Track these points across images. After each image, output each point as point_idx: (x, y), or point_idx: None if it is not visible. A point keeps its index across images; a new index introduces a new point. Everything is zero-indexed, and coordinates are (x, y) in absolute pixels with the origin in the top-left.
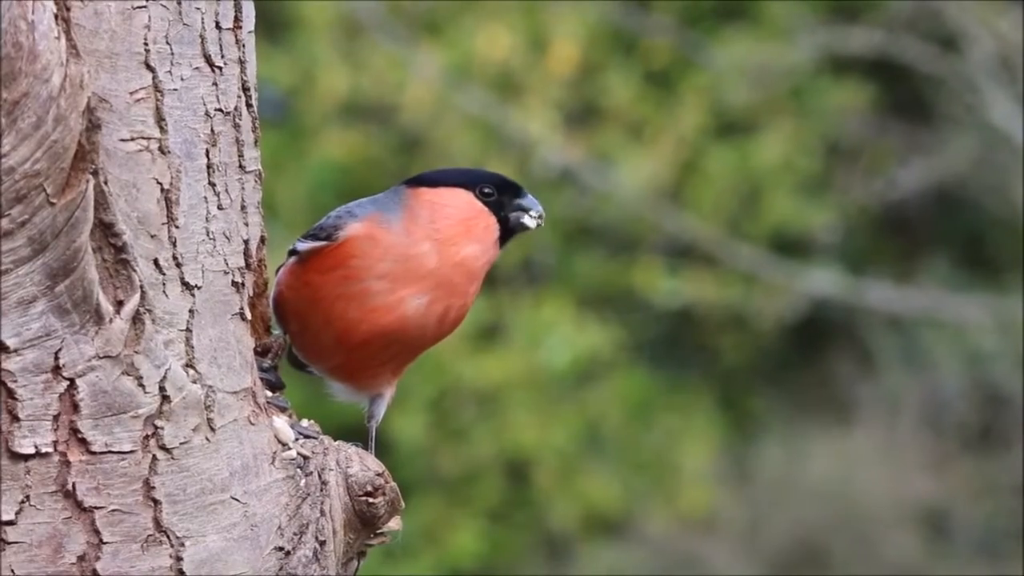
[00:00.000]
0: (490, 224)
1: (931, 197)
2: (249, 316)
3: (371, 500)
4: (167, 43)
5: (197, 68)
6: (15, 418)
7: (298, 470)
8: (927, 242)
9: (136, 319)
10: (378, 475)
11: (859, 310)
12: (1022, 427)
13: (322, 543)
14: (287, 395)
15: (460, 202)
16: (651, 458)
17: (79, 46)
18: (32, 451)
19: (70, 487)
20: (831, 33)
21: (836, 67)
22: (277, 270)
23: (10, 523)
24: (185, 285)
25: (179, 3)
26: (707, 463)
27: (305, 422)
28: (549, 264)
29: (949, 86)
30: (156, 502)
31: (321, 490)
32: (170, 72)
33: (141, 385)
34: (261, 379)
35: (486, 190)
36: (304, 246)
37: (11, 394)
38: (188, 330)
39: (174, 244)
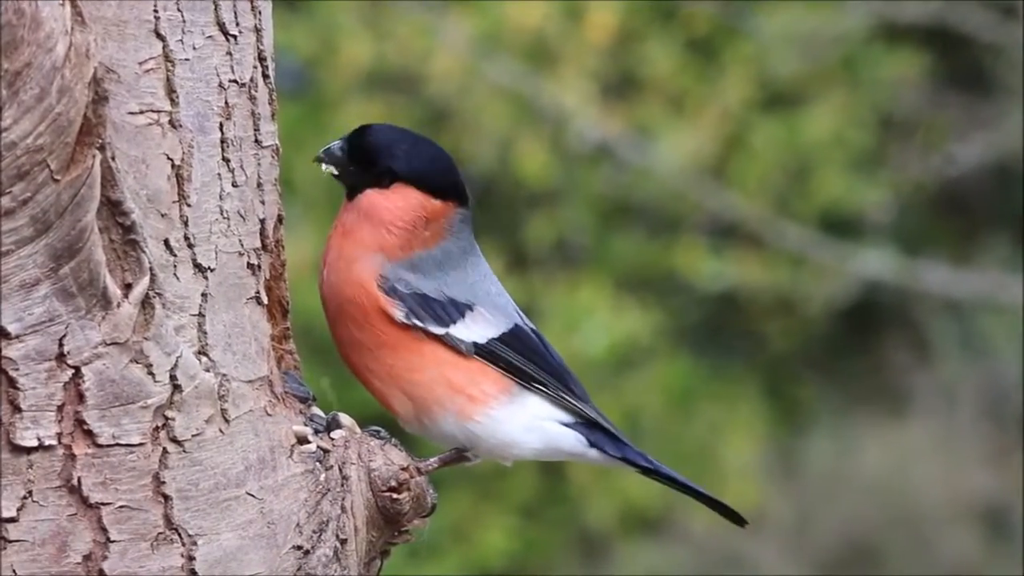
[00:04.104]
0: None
1: (990, 173)
2: (266, 300)
3: (395, 496)
4: (178, 10)
5: (210, 36)
6: (17, 409)
7: (317, 464)
8: (986, 221)
9: (145, 303)
10: (402, 469)
11: (914, 294)
12: None
13: (343, 541)
14: (309, 383)
15: None
16: (693, 450)
17: (85, 13)
18: (35, 444)
19: (75, 482)
20: None
21: (890, 35)
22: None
23: (11, 520)
24: (197, 267)
25: None
26: (752, 456)
27: (317, 409)
28: (585, 244)
29: (1009, 56)
30: (166, 498)
31: (342, 485)
32: (181, 41)
33: (151, 373)
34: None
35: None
36: None
37: (12, 383)
38: (201, 315)
39: (186, 224)
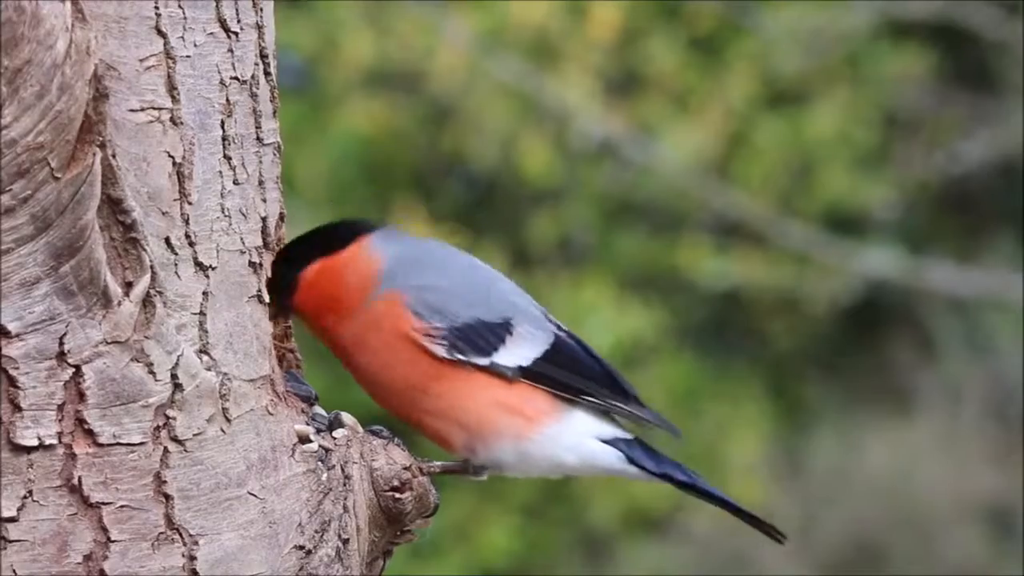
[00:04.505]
0: None
1: (996, 171)
2: (267, 298)
3: (398, 495)
4: (179, 7)
5: (212, 33)
6: (17, 408)
7: (320, 463)
8: (991, 219)
9: (146, 302)
10: (405, 469)
11: (919, 292)
12: None
13: (345, 541)
14: (310, 381)
15: None
16: (697, 450)
17: (85, 10)
18: (35, 443)
19: (76, 481)
20: None
21: (895, 32)
22: None
23: (11, 520)
24: (199, 265)
25: None
26: (757, 455)
27: (320, 409)
28: (588, 243)
29: (1014, 53)
30: (168, 497)
31: (344, 485)
32: (183, 38)
33: (152, 372)
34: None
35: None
36: None
37: (13, 382)
38: (202, 313)
39: (187, 222)
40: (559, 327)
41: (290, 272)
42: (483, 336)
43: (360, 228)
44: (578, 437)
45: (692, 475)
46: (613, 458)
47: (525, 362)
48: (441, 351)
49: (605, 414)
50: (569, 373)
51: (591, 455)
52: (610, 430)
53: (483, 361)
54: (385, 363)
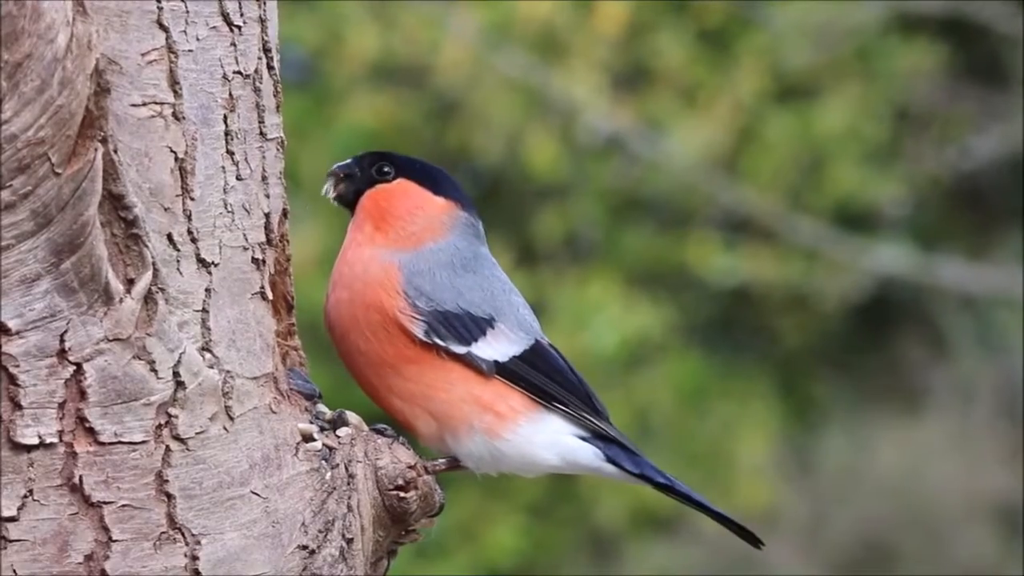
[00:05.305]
0: None
1: (1007, 167)
2: (270, 295)
3: (402, 495)
4: (181, 0)
5: (214, 27)
6: (17, 406)
7: (323, 462)
8: (1003, 215)
9: (148, 299)
10: (409, 468)
11: (930, 289)
12: None
13: (349, 541)
14: (314, 380)
15: None
16: (705, 449)
17: (86, 3)
18: (36, 441)
19: (77, 480)
20: None
21: (905, 26)
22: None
23: (12, 519)
24: (201, 262)
25: None
26: (765, 454)
27: (323, 407)
28: (595, 239)
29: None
30: (170, 497)
31: (348, 484)
32: (185, 32)
33: (153, 370)
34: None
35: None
36: None
37: (13, 380)
38: (204, 311)
39: (189, 217)
40: (544, 337)
41: (390, 172)
42: (466, 326)
43: (461, 198)
44: (554, 435)
45: (670, 477)
46: (591, 455)
47: (502, 358)
48: (419, 332)
49: (579, 419)
50: (545, 378)
51: (570, 452)
52: (586, 430)
53: (460, 349)
54: (367, 324)
